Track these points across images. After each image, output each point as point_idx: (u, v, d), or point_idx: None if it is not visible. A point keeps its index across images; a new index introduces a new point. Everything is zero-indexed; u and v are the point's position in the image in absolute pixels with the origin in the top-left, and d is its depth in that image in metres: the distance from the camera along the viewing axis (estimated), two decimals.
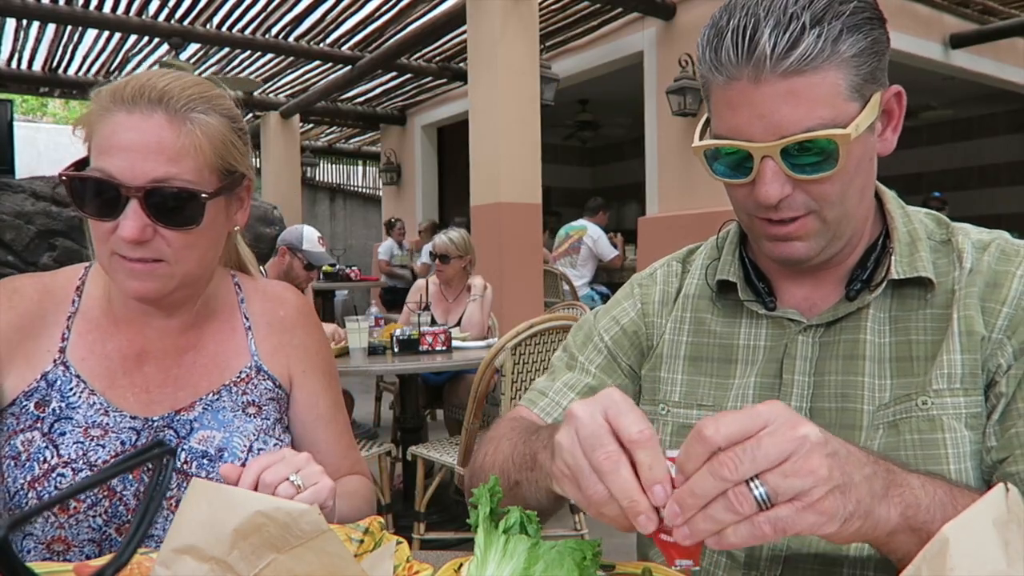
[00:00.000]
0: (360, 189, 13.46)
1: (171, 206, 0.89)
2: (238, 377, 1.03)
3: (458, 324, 3.81)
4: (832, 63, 0.75)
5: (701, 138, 0.86)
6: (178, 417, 0.97)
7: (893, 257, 0.87)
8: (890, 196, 0.94)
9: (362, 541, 0.72)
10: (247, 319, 1.08)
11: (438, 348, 3.21)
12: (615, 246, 6.79)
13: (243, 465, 0.82)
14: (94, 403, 0.93)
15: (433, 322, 3.61)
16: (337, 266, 8.12)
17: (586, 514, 3.04)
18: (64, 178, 0.90)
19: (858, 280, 0.89)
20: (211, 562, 0.55)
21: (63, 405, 0.92)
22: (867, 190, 0.86)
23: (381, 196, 11.19)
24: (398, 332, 3.22)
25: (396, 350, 3.19)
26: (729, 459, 0.54)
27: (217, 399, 1.00)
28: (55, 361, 0.94)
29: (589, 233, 6.63)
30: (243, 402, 1.01)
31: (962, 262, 0.87)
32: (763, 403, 0.57)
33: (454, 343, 3.31)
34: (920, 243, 0.88)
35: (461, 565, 0.69)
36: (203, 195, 0.91)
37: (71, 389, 0.94)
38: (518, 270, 5.26)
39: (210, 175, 0.92)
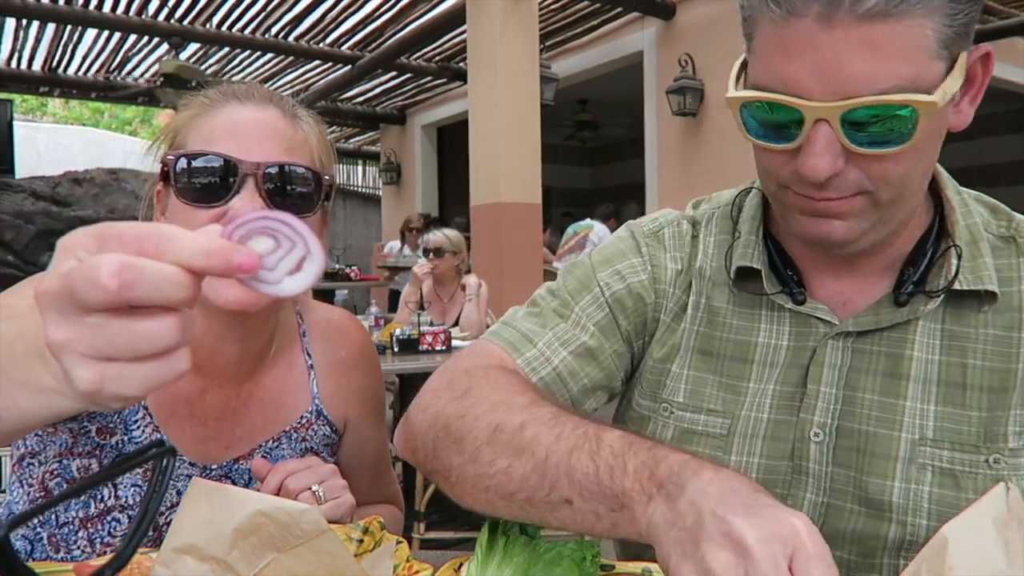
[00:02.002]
0: (360, 189, 13.44)
1: (288, 191, 0.83)
2: (299, 423, 0.98)
3: (456, 324, 3.82)
4: (925, 7, 0.59)
5: (737, 86, 0.71)
6: (236, 466, 0.92)
7: (959, 261, 0.73)
8: (946, 177, 0.78)
9: (362, 541, 0.72)
10: (309, 356, 1.02)
11: (438, 348, 3.21)
12: None
13: None
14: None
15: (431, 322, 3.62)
16: (337, 266, 8.11)
17: None
18: (170, 158, 0.83)
19: (909, 281, 0.75)
20: (211, 562, 0.55)
21: (126, 439, 0.87)
22: (930, 171, 0.72)
23: (381, 196, 11.18)
24: (398, 332, 3.22)
25: (396, 350, 3.19)
26: None
27: (277, 447, 0.95)
28: None
29: (596, 231, 6.68)
30: (302, 449, 0.97)
31: None
32: None
33: (454, 343, 3.32)
34: (982, 243, 0.75)
35: (461, 565, 0.69)
36: (326, 177, 0.87)
37: (135, 422, 0.88)
38: (518, 270, 5.26)
39: None
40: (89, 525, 0.85)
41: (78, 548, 0.85)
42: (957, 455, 0.72)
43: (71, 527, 0.85)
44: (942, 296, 0.73)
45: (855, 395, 0.76)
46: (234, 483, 0.92)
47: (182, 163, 0.82)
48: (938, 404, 0.73)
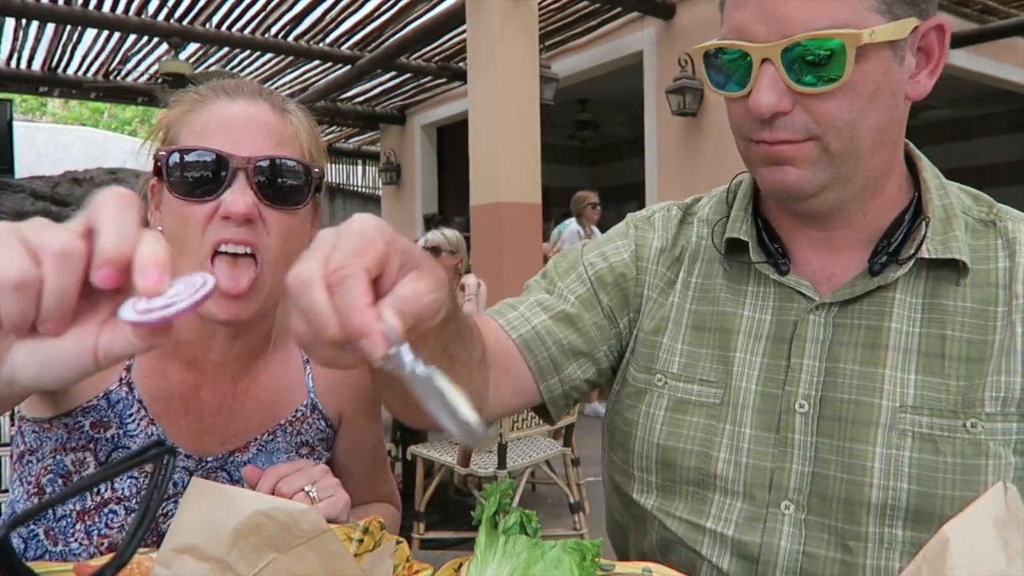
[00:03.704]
0: (360, 189, 13.45)
1: (278, 183, 0.84)
2: (293, 416, 0.98)
3: None
4: None
5: None
6: (232, 458, 0.93)
7: (926, 232, 0.78)
8: (926, 163, 0.84)
9: (362, 541, 0.72)
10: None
11: None
12: None
13: None
14: (152, 434, 0.89)
15: None
16: None
17: (586, 514, 3.05)
18: (162, 154, 0.83)
19: (883, 252, 0.80)
20: (211, 562, 0.55)
21: (121, 432, 0.87)
22: (887, 135, 0.76)
23: (381, 196, 11.19)
24: None
25: None
26: None
27: (272, 440, 0.96)
28: (120, 380, 0.89)
29: (568, 228, 6.63)
30: (297, 443, 0.98)
31: (1015, 255, 0.78)
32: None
33: None
34: (955, 220, 0.79)
35: (461, 565, 0.69)
36: (316, 169, 0.88)
37: (131, 415, 0.88)
38: (517, 270, 5.26)
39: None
40: (86, 518, 0.85)
41: (75, 541, 0.85)
42: (936, 420, 0.75)
43: (68, 520, 0.86)
44: (912, 262, 0.78)
45: (837, 366, 0.79)
46: (229, 475, 0.92)
47: (174, 158, 0.83)
48: (918, 373, 0.77)
